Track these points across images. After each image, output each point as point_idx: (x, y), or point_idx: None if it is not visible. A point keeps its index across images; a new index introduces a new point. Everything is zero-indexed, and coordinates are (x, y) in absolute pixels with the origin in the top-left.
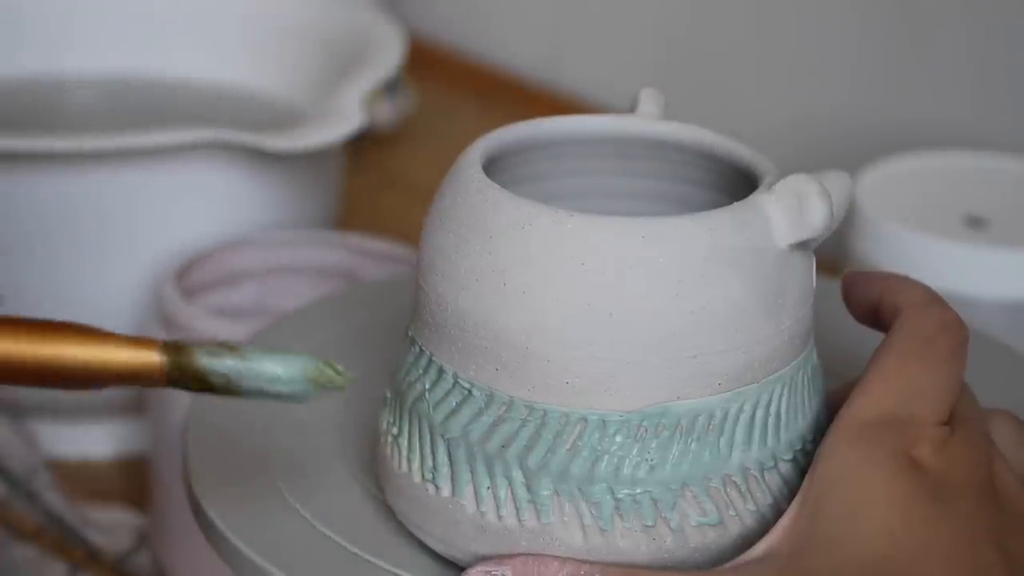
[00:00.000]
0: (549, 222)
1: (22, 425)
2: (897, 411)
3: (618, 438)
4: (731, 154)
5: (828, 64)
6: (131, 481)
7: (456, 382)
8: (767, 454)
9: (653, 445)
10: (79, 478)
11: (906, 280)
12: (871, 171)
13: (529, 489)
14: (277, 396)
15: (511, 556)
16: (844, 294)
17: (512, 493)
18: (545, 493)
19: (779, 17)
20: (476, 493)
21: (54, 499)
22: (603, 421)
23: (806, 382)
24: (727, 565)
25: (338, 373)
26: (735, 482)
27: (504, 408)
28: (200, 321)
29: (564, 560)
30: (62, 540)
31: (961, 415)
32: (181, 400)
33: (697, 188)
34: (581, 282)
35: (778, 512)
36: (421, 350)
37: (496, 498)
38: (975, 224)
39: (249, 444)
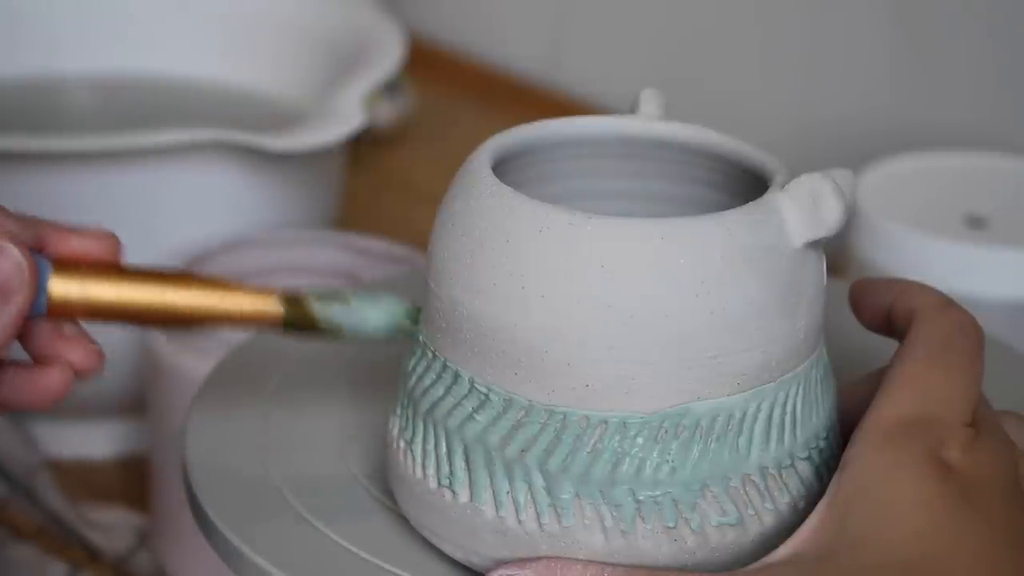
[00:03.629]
0: (567, 225)
1: (22, 425)
2: (923, 414)
3: (639, 440)
4: (737, 154)
5: (829, 64)
6: (131, 481)
7: (472, 387)
8: (784, 453)
9: (674, 446)
10: (79, 478)
11: (917, 285)
12: (872, 171)
13: (550, 493)
14: (371, 339)
15: (533, 560)
16: (853, 301)
17: (532, 497)
18: (566, 496)
19: (780, 18)
20: (495, 498)
21: (54, 499)
22: (624, 423)
23: (819, 380)
24: (751, 567)
25: (416, 322)
26: (754, 481)
27: (523, 412)
28: None
29: (587, 563)
30: (62, 540)
31: (984, 418)
32: (181, 400)
33: (703, 188)
34: (600, 285)
35: (795, 510)
36: (434, 355)
37: (516, 503)
38: (975, 224)
39: (249, 444)
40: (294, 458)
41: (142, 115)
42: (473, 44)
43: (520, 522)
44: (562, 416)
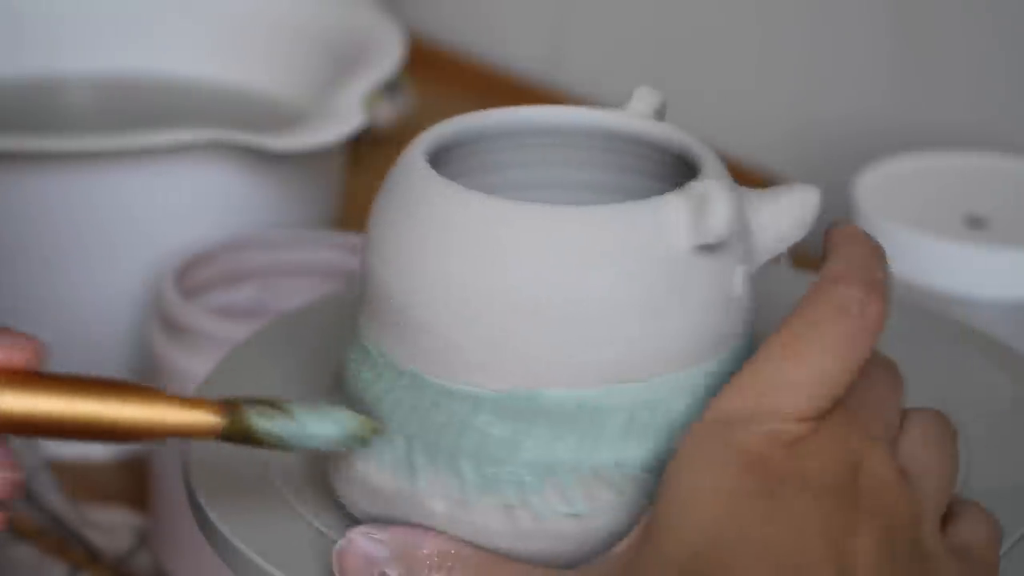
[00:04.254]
0: (440, 197)
1: None
2: (759, 403)
3: (485, 416)
4: (682, 148)
5: (829, 64)
6: (131, 481)
7: (367, 350)
8: (649, 453)
9: (519, 427)
10: (79, 478)
11: (846, 239)
12: (871, 171)
13: (408, 455)
14: (319, 450)
15: (394, 526)
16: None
17: (394, 457)
18: (419, 460)
19: (780, 18)
20: (374, 455)
21: (54, 499)
22: (476, 397)
23: (712, 391)
24: (599, 557)
25: (375, 430)
26: (604, 476)
27: (395, 376)
28: (200, 321)
29: (439, 536)
30: (62, 540)
31: (849, 405)
32: None
33: (649, 180)
34: (462, 259)
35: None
36: (357, 334)
37: (380, 460)
38: (975, 224)
39: None
40: (294, 457)
41: (142, 115)
42: (473, 44)
43: (382, 480)
44: (422, 382)
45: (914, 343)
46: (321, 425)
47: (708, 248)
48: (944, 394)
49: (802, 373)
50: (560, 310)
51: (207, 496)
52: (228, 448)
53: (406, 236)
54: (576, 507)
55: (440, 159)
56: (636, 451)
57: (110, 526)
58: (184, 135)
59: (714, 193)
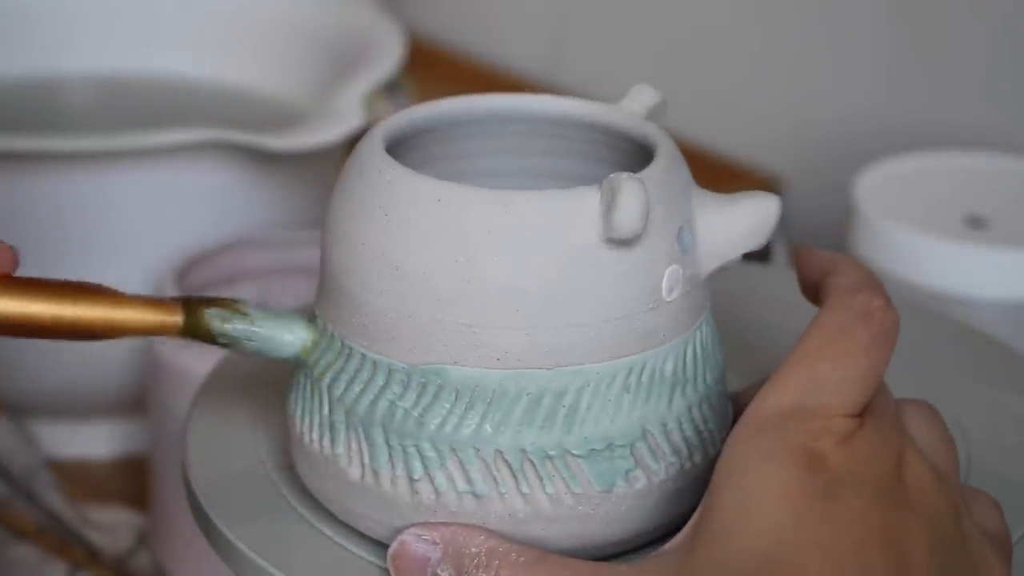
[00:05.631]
0: (364, 174)
1: (22, 425)
2: (804, 402)
3: (395, 387)
4: (643, 136)
5: (829, 64)
6: (131, 481)
7: (314, 315)
8: (553, 443)
9: (424, 401)
10: (79, 478)
11: (845, 262)
12: (871, 171)
13: (330, 418)
14: (275, 358)
15: (443, 525)
16: (795, 269)
17: (320, 419)
18: (338, 423)
19: (780, 17)
20: (304, 418)
21: (54, 499)
22: (390, 367)
23: (628, 388)
24: (651, 555)
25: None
26: (506, 460)
27: (327, 339)
28: None
29: (488, 535)
30: (62, 540)
31: (876, 408)
32: (181, 400)
33: (610, 168)
34: (379, 231)
35: (554, 501)
36: (318, 317)
37: (310, 422)
38: (975, 224)
39: (249, 444)
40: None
41: (142, 115)
42: (473, 44)
43: (312, 443)
44: (349, 350)
45: (914, 343)
46: (280, 332)
47: (621, 243)
48: (944, 394)
49: (842, 372)
50: (464, 290)
51: (207, 496)
52: (228, 448)
53: (342, 209)
54: (476, 487)
55: (413, 144)
56: (540, 437)
57: (110, 526)
58: (184, 135)
59: (623, 188)
